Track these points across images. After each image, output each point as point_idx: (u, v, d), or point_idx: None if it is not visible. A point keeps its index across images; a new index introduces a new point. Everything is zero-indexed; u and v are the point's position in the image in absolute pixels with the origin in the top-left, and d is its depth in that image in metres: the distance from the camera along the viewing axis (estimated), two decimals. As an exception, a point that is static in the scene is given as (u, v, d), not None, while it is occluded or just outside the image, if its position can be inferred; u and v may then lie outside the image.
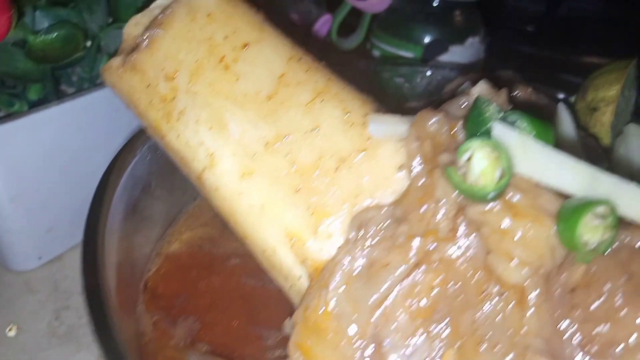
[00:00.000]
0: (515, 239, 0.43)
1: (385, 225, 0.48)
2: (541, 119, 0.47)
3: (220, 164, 0.54)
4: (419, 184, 0.47)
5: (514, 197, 0.44)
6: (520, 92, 0.65)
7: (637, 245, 0.43)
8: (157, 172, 0.63)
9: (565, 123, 0.66)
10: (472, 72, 0.96)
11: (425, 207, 0.46)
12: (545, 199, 0.44)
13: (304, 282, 0.52)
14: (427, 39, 1.12)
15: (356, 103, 0.54)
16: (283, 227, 0.52)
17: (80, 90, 0.78)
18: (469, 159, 0.43)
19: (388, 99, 0.88)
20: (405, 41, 1.13)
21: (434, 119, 0.47)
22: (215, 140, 0.55)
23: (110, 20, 0.83)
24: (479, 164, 0.43)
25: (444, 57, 1.12)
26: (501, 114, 0.47)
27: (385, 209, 0.48)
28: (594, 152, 0.68)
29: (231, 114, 0.54)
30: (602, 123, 0.76)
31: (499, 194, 0.43)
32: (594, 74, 0.81)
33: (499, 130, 0.44)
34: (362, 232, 0.48)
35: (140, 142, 0.61)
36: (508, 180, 0.43)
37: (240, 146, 0.54)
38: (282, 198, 0.52)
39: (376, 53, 1.18)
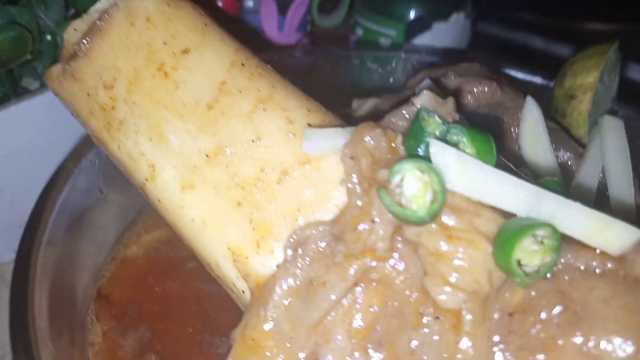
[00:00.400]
0: (451, 262, 0.41)
1: (323, 243, 0.47)
2: (484, 133, 0.44)
3: (161, 176, 0.53)
4: (356, 202, 0.45)
5: (450, 219, 0.42)
6: (483, 88, 0.62)
7: (580, 267, 0.41)
8: (109, 177, 0.61)
9: (532, 119, 0.63)
10: (447, 56, 0.93)
11: (362, 226, 0.44)
12: (484, 219, 0.42)
13: (247, 296, 0.51)
14: (410, 16, 1.07)
15: (300, 112, 0.52)
16: (225, 242, 0.51)
17: (41, 87, 0.76)
18: (402, 180, 0.41)
19: (360, 88, 0.86)
20: (387, 18, 1.09)
21: (371, 135, 0.45)
22: (155, 152, 0.53)
23: (73, 11, 0.80)
24: (410, 187, 0.41)
25: (428, 35, 1.08)
26: (443, 128, 0.45)
27: (324, 226, 0.47)
28: (564, 147, 0.65)
29: (171, 124, 0.52)
30: (579, 111, 0.73)
31: (431, 218, 0.41)
32: (574, 58, 0.77)
33: (435, 149, 0.42)
34: (300, 251, 0.47)
35: (87, 148, 0.59)
36: (440, 205, 0.41)
37: (181, 158, 0.52)
38: (224, 212, 0.51)
39: (359, 31, 1.14)
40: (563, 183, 0.45)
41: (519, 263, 0.40)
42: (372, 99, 0.67)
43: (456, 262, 0.41)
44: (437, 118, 0.45)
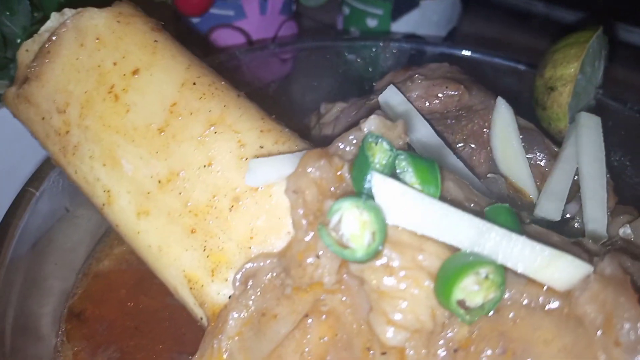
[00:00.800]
0: (393, 301, 0.41)
1: (273, 275, 0.46)
2: (429, 162, 0.43)
3: (117, 201, 0.52)
4: (302, 236, 0.44)
5: (392, 255, 0.41)
6: (450, 92, 0.60)
7: (526, 303, 0.40)
8: (75, 194, 0.61)
9: (502, 121, 0.61)
10: (428, 42, 0.90)
11: (308, 260, 0.44)
12: (427, 254, 0.41)
13: (205, 323, 0.51)
14: (397, -7, 1.04)
15: (253, 134, 0.51)
16: (181, 269, 0.51)
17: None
18: (340, 219, 0.40)
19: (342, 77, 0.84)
20: (374, -4, 1.06)
21: (315, 166, 0.44)
22: (110, 177, 0.52)
23: (41, 15, 0.79)
24: (349, 227, 0.40)
25: (416, 13, 1.04)
26: (390, 155, 0.43)
27: (272, 259, 0.46)
28: (538, 148, 0.63)
29: (123, 149, 0.52)
30: (559, 104, 0.70)
31: (370, 258, 0.40)
32: (555, 46, 0.74)
33: (377, 183, 0.41)
34: (251, 282, 0.46)
35: (50, 168, 0.59)
36: (378, 245, 0.40)
37: (134, 184, 0.51)
38: (178, 239, 0.50)
39: (345, 10, 1.11)
40: (512, 211, 0.43)
41: (461, 301, 0.39)
42: (339, 104, 0.65)
43: (398, 300, 0.40)
44: (384, 144, 0.44)
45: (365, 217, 0.40)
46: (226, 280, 0.49)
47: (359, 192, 0.43)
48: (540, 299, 0.40)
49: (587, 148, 0.61)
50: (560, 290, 0.39)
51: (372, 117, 0.45)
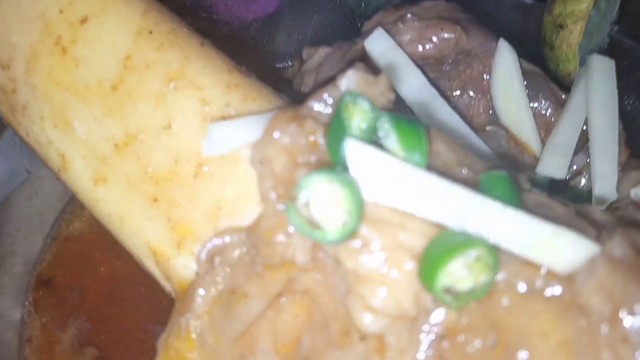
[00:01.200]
0: (372, 285, 0.36)
1: (243, 251, 0.42)
2: (415, 124, 0.37)
3: (72, 166, 0.47)
4: (270, 211, 0.39)
5: (371, 234, 0.36)
6: (446, 34, 0.53)
7: (521, 287, 0.35)
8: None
9: (504, 66, 0.55)
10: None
11: (277, 238, 0.39)
12: (410, 233, 0.36)
13: (174, 297, 0.47)
14: None
15: (218, 90, 0.45)
16: (145, 241, 0.46)
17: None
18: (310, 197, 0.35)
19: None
20: None
21: (285, 131, 0.38)
22: (62, 140, 0.47)
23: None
24: (319, 206, 0.35)
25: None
26: (371, 117, 0.38)
27: (241, 234, 0.41)
28: (544, 95, 0.57)
29: (74, 109, 0.46)
30: (569, 44, 0.63)
31: (345, 238, 0.35)
32: (567, -24, 0.66)
33: (352, 151, 0.35)
34: (218, 259, 0.42)
35: (3, 128, 0.54)
36: (353, 226, 0.35)
37: (89, 148, 0.46)
38: (140, 209, 0.46)
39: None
40: (510, 175, 0.38)
41: (448, 285, 0.34)
42: (323, 48, 0.58)
43: (377, 285, 0.36)
44: (364, 104, 0.38)
45: (339, 194, 0.34)
46: (193, 253, 0.44)
47: (335, 161, 0.37)
48: (538, 283, 0.35)
49: (598, 95, 0.55)
50: (561, 274, 0.34)
51: (350, 71, 0.39)
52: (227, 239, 0.42)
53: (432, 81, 0.53)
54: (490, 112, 0.56)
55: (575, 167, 0.57)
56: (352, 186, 0.35)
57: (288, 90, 0.60)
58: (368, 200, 0.36)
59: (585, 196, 0.53)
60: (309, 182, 0.35)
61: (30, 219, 0.58)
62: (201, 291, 0.43)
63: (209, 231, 0.44)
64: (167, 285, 0.47)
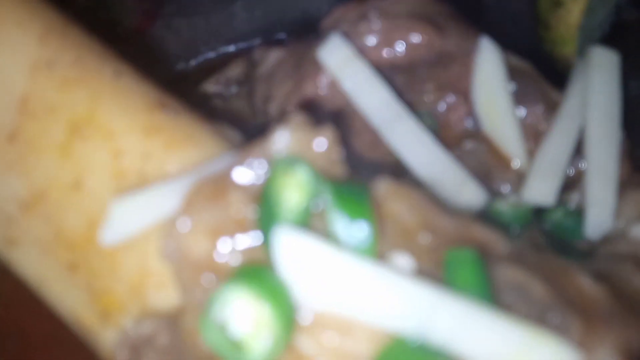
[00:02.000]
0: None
1: (166, 339, 0.35)
2: (359, 195, 0.30)
3: (-21, 226, 0.41)
4: (192, 309, 0.33)
5: (308, 348, 0.29)
6: (417, 37, 0.44)
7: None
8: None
9: (487, 69, 0.46)
10: None
11: (202, 345, 0.33)
12: (356, 340, 0.30)
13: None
14: None
15: (134, 136, 0.37)
16: (70, 311, 0.40)
17: None
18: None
19: None
20: None
21: (204, 213, 0.31)
22: (-36, 198, 0.40)
23: None
24: (239, 323, 0.28)
25: None
26: (312, 189, 0.31)
27: (163, 321, 0.35)
28: (534, 98, 0.49)
29: (-30, 164, 0.39)
30: (567, 25, 0.54)
31: (276, 357, 0.29)
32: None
33: (281, 247, 0.28)
34: (137, 353, 0.36)
35: None
36: (286, 342, 0.28)
37: (-7, 207, 0.39)
38: (58, 276, 0.39)
39: None
40: (478, 260, 0.31)
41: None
42: (275, 52, 0.49)
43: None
44: (302, 174, 0.31)
45: (265, 310, 0.28)
46: (121, 326, 0.39)
47: (267, 248, 0.31)
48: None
49: (597, 99, 0.46)
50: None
51: (281, 132, 0.31)
52: (147, 327, 0.35)
53: (402, 90, 0.45)
54: (471, 119, 0.48)
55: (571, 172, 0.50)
56: (280, 297, 0.28)
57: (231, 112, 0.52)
58: (304, 304, 0.29)
59: (573, 220, 0.46)
60: (223, 297, 0.28)
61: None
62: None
63: (135, 304, 0.38)
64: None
